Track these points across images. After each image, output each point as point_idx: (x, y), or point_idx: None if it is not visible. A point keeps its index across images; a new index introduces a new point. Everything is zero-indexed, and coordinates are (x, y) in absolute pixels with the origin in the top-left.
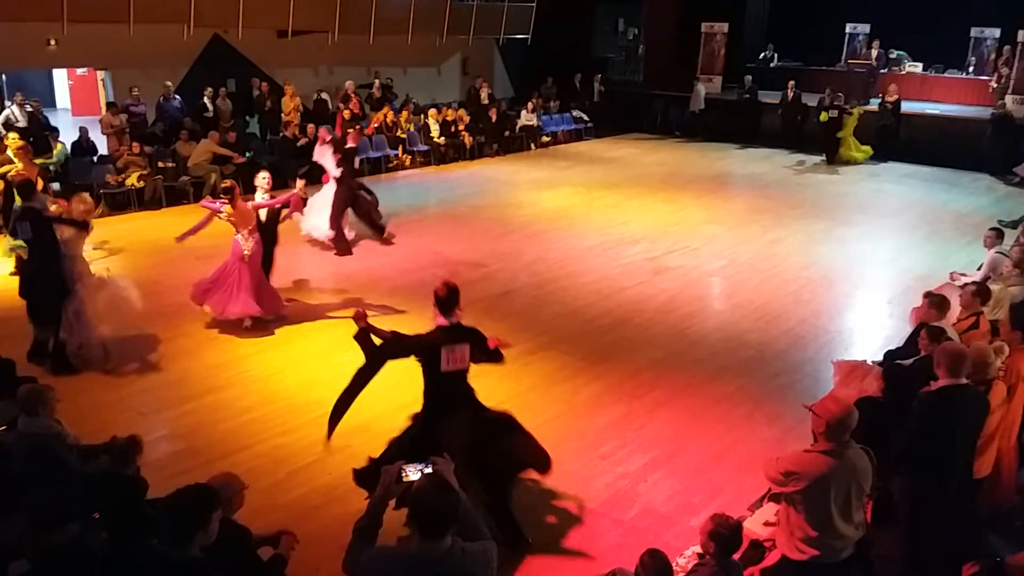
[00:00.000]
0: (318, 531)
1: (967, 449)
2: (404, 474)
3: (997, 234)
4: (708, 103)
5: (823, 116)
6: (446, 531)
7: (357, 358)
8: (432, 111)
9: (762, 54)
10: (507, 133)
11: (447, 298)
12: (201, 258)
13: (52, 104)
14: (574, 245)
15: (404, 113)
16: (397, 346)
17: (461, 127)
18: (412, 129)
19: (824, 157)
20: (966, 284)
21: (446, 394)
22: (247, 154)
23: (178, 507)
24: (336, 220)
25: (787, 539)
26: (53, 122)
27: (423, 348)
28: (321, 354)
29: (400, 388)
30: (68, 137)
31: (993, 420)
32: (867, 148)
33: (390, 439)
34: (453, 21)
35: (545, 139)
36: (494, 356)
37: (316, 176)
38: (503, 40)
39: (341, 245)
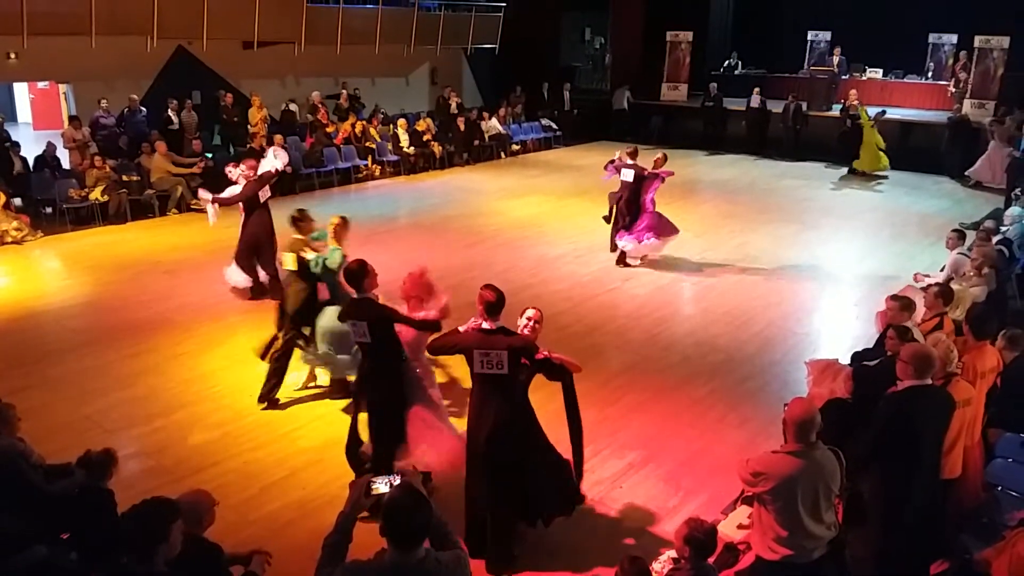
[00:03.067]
0: (291, 546)
1: (934, 448)
2: (373, 487)
3: (959, 235)
4: (675, 110)
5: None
6: (420, 541)
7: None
8: (401, 121)
9: (726, 62)
10: (476, 142)
11: (495, 303)
12: (168, 272)
13: (13, 118)
14: (545, 253)
15: (374, 122)
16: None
17: (428, 136)
18: (380, 139)
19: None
20: (929, 285)
21: (488, 399)
22: (206, 155)
23: (136, 522)
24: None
25: (760, 539)
26: (14, 137)
27: (463, 348)
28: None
29: None
30: (30, 152)
31: (957, 419)
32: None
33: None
34: (421, 31)
35: (515, 148)
36: (550, 370)
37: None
38: (471, 50)
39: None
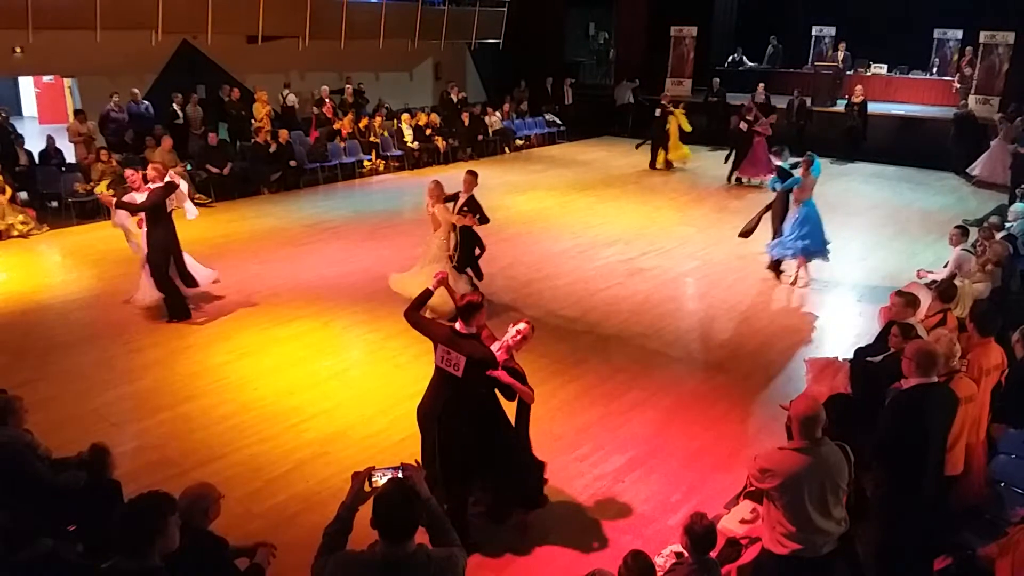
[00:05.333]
0: (296, 539)
1: (939, 445)
2: (374, 479)
3: (963, 232)
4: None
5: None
6: (406, 536)
7: (332, 363)
8: (405, 116)
9: (731, 57)
10: (480, 137)
11: (464, 309)
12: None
13: (19, 112)
14: (549, 248)
15: (378, 117)
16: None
17: (429, 131)
18: (385, 134)
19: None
20: (932, 282)
21: (440, 391)
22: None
23: (132, 517)
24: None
25: (769, 533)
26: (20, 130)
27: (432, 336)
28: (296, 362)
29: (376, 394)
30: (35, 145)
31: (959, 416)
32: (686, 149)
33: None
34: (424, 26)
35: (518, 143)
36: (500, 388)
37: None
38: (475, 44)
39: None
